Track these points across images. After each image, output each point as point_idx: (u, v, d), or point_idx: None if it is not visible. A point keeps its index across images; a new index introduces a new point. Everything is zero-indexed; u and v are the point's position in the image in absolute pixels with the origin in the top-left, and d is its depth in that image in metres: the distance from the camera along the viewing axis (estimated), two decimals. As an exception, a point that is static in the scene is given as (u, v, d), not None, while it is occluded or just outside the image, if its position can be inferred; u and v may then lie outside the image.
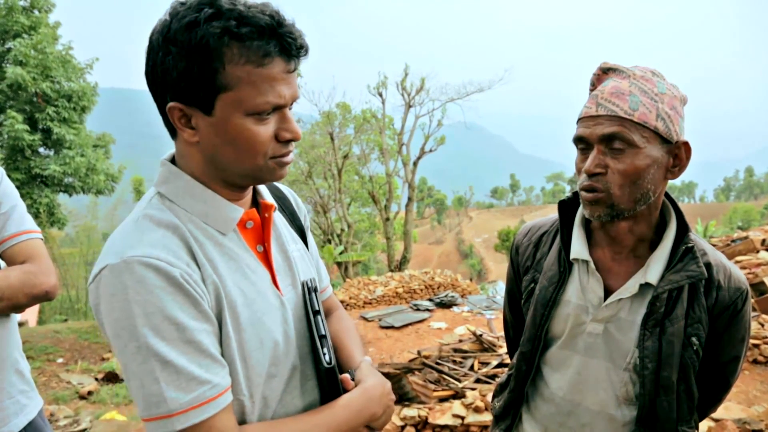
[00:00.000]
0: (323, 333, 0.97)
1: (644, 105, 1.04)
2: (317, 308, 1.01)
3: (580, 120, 1.12)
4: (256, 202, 1.05)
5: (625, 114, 1.04)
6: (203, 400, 0.82)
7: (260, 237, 1.01)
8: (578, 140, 1.12)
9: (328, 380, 0.96)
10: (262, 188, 1.07)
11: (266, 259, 1.00)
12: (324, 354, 0.95)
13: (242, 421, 0.92)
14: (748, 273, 6.26)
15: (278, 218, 1.08)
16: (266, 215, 1.01)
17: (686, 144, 1.09)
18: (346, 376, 1.00)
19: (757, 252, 7.45)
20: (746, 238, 8.08)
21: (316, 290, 1.05)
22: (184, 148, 0.92)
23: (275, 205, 1.04)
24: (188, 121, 0.86)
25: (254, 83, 0.82)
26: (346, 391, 0.99)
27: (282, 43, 0.82)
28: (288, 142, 0.90)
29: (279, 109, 0.87)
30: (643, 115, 1.04)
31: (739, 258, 7.19)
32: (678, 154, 1.10)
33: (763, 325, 5.21)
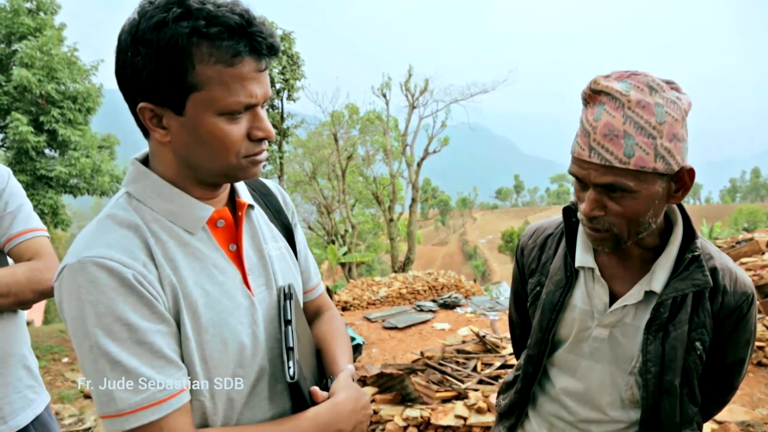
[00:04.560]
0: (291, 345, 0.93)
1: (640, 147, 0.95)
2: (289, 317, 0.97)
3: (574, 158, 1.06)
4: (233, 200, 1.03)
5: (620, 163, 0.96)
6: (153, 401, 0.81)
7: (233, 236, 0.99)
8: (574, 175, 1.07)
9: (294, 394, 0.94)
10: (240, 186, 1.05)
11: (238, 258, 0.98)
12: (288, 368, 0.91)
13: (204, 423, 0.91)
14: (753, 275, 6.22)
15: (257, 216, 1.06)
16: (240, 214, 1.00)
17: (690, 170, 1.03)
18: (316, 388, 0.97)
19: (763, 253, 7.41)
20: (751, 239, 8.04)
21: (291, 297, 1.00)
22: (156, 147, 0.91)
23: (248, 203, 1.02)
24: (159, 121, 0.85)
25: (225, 83, 0.81)
26: (315, 403, 0.96)
27: (252, 42, 0.81)
28: (260, 140, 0.89)
29: (251, 108, 0.86)
30: (639, 159, 0.96)
31: (744, 260, 7.15)
32: (681, 178, 1.04)
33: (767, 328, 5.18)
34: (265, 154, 0.92)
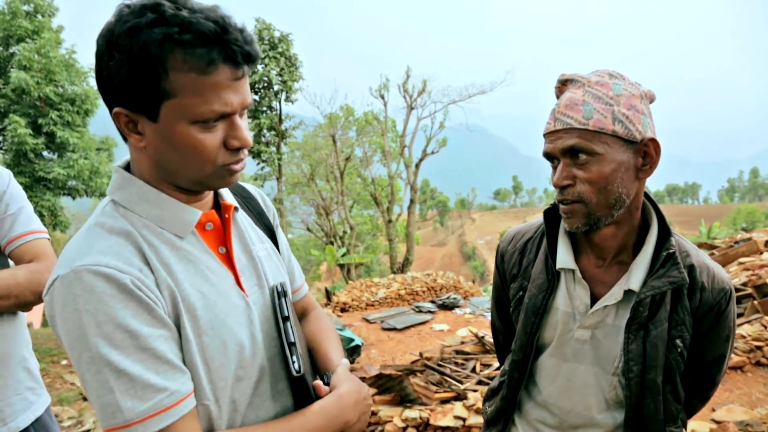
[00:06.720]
0: (292, 340, 0.94)
1: (598, 111, 1.03)
2: (286, 314, 0.97)
3: (544, 136, 1.12)
4: (218, 203, 1.03)
5: (580, 124, 1.04)
6: (161, 407, 0.79)
7: (221, 238, 0.98)
8: (546, 156, 1.13)
9: (299, 389, 0.94)
10: (224, 189, 1.04)
11: (229, 260, 0.97)
12: (293, 362, 0.91)
13: (210, 427, 0.90)
14: (752, 274, 6.22)
15: (242, 218, 1.06)
16: (226, 216, 0.99)
17: (653, 140, 1.07)
18: (319, 383, 0.98)
19: (761, 253, 7.43)
20: (750, 239, 8.05)
21: (285, 295, 1.01)
22: (134, 152, 0.90)
23: (234, 205, 1.02)
24: (135, 127, 0.84)
25: (198, 91, 0.79)
26: (319, 397, 0.96)
27: (227, 50, 0.79)
28: (238, 150, 0.87)
29: (227, 117, 0.84)
30: (598, 121, 1.03)
31: (742, 259, 7.17)
32: (647, 151, 1.07)
33: (766, 327, 5.19)
34: (242, 164, 0.90)
